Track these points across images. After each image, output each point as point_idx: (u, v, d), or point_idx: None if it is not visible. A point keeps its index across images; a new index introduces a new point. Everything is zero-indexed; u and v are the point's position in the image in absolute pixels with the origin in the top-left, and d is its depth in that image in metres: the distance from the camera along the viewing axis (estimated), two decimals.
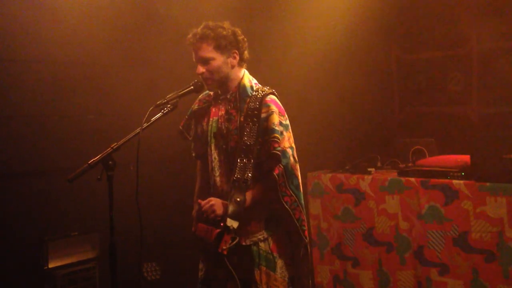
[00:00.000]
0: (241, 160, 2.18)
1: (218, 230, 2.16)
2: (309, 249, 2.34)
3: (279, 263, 2.28)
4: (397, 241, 3.42)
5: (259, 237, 2.26)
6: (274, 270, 2.26)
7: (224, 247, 2.12)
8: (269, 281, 2.25)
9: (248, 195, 2.20)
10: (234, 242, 2.13)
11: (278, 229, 2.32)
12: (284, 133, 2.24)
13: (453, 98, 4.22)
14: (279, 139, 2.19)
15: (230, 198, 2.16)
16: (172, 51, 3.68)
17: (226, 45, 2.24)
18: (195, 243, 2.34)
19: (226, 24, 2.28)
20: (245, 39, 2.33)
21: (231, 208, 2.14)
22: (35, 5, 3.24)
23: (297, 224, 2.26)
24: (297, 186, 2.27)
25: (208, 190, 2.42)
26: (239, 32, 2.31)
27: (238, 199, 2.14)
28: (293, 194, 2.24)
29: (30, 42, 3.26)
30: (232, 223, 2.12)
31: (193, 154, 2.57)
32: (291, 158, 2.24)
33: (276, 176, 2.19)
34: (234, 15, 3.51)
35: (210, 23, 2.26)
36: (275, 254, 2.27)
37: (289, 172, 2.22)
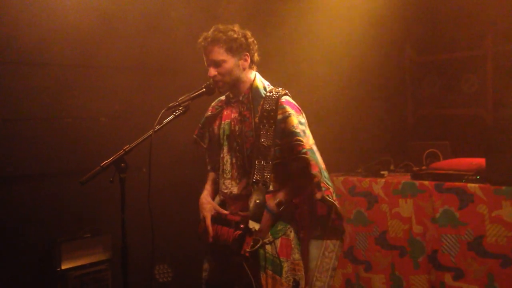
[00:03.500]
0: (259, 161, 2.18)
1: (239, 232, 2.16)
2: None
3: (285, 267, 2.27)
4: (410, 245, 3.39)
5: (265, 240, 2.25)
6: (280, 274, 2.25)
7: (247, 249, 2.12)
8: (275, 285, 2.24)
9: (283, 192, 2.22)
10: (258, 245, 2.14)
11: (286, 232, 2.31)
12: (306, 131, 2.26)
13: (467, 100, 4.18)
14: (302, 141, 2.20)
15: (250, 200, 2.17)
16: (184, 54, 3.68)
17: (237, 47, 2.25)
18: (202, 244, 2.33)
19: (237, 27, 2.29)
20: (255, 41, 2.34)
21: (251, 211, 2.15)
22: (43, 7, 3.27)
23: (338, 211, 2.30)
24: (329, 178, 2.31)
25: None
26: (249, 34, 2.32)
27: (257, 201, 2.15)
28: (329, 186, 2.27)
29: (42, 45, 3.28)
30: (254, 225, 2.13)
31: (209, 167, 2.55)
32: (317, 153, 2.27)
33: (314, 175, 2.20)
34: (241, 16, 3.52)
35: (221, 26, 2.27)
36: (281, 258, 2.26)
37: (320, 167, 2.25)
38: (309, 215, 2.36)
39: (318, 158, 2.25)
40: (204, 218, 2.31)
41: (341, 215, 2.33)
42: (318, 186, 2.23)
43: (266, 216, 2.19)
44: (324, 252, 2.35)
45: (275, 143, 2.21)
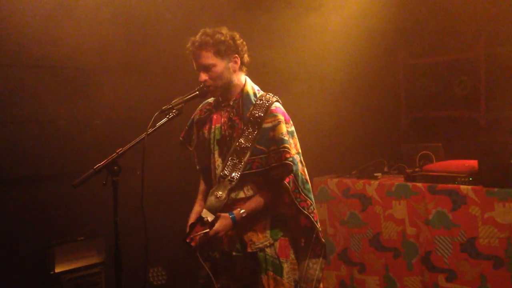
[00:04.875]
0: (232, 159, 2.21)
1: (191, 222, 2.19)
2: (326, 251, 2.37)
3: (286, 267, 2.27)
4: (404, 247, 3.40)
5: (265, 243, 2.26)
6: (281, 275, 2.26)
7: (191, 236, 2.11)
8: (276, 287, 2.24)
9: (251, 203, 2.23)
10: (203, 232, 2.12)
11: (284, 232, 2.32)
12: (290, 140, 2.26)
13: (460, 102, 4.20)
14: (289, 149, 2.20)
15: (211, 192, 2.20)
16: (179, 56, 3.68)
17: (225, 50, 2.23)
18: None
19: (224, 30, 2.27)
20: (244, 42, 2.33)
21: (209, 201, 2.17)
22: (38, 10, 3.26)
23: (316, 227, 2.30)
24: (309, 190, 2.31)
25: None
26: (238, 36, 2.30)
27: (218, 194, 2.18)
28: (307, 198, 2.27)
29: (37, 48, 3.28)
30: (208, 215, 2.14)
31: (197, 167, 2.55)
32: (299, 164, 2.28)
33: (288, 185, 2.22)
34: (234, 20, 3.53)
35: (208, 30, 2.25)
36: (281, 259, 2.27)
37: (300, 178, 2.26)
38: (295, 224, 2.34)
39: (298, 169, 2.25)
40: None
41: (317, 226, 2.30)
42: (289, 195, 2.24)
43: (228, 221, 2.18)
44: (308, 263, 2.33)
45: (261, 150, 2.21)
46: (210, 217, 2.14)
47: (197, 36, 2.24)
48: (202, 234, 2.12)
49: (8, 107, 3.22)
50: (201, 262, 2.19)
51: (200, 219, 2.15)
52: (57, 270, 3.21)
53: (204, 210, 2.16)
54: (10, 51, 3.20)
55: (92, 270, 3.32)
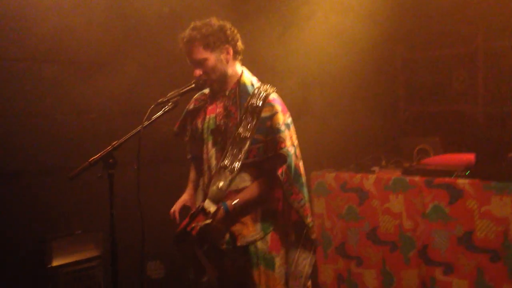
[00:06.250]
0: (232, 149, 2.19)
1: (192, 211, 2.17)
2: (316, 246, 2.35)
3: (277, 261, 2.26)
4: (401, 241, 3.40)
5: (256, 236, 2.25)
6: (273, 268, 2.25)
7: (193, 225, 2.10)
8: (268, 281, 2.23)
9: (245, 193, 2.22)
10: (205, 223, 2.12)
11: (275, 226, 2.30)
12: (286, 131, 2.23)
13: (458, 96, 4.19)
14: (284, 139, 2.19)
15: (213, 183, 2.18)
16: (175, 49, 3.67)
17: (215, 42, 2.20)
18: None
19: (213, 20, 2.24)
20: (235, 31, 2.28)
21: (211, 192, 2.16)
22: (32, 3, 3.24)
23: (306, 222, 2.26)
24: (302, 184, 2.28)
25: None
26: (228, 25, 2.26)
27: (220, 185, 2.16)
28: (300, 192, 2.24)
29: (31, 42, 3.27)
30: (210, 206, 2.13)
31: (188, 156, 2.54)
32: (293, 156, 2.24)
33: (280, 175, 2.19)
34: (230, 13, 3.51)
35: (197, 23, 2.22)
36: (273, 253, 2.26)
37: (293, 170, 2.22)
38: (286, 218, 2.33)
39: (292, 161, 2.21)
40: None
41: (306, 221, 2.27)
42: (281, 186, 2.22)
43: (222, 211, 2.17)
44: (298, 259, 2.31)
45: (258, 139, 2.20)
46: (212, 208, 2.13)
47: (186, 32, 2.22)
48: (203, 225, 2.12)
49: (3, 101, 3.21)
50: (200, 255, 2.18)
51: (202, 210, 2.14)
52: (54, 264, 3.20)
53: (206, 201, 2.15)
54: (5, 45, 3.19)
55: (89, 264, 3.32)
